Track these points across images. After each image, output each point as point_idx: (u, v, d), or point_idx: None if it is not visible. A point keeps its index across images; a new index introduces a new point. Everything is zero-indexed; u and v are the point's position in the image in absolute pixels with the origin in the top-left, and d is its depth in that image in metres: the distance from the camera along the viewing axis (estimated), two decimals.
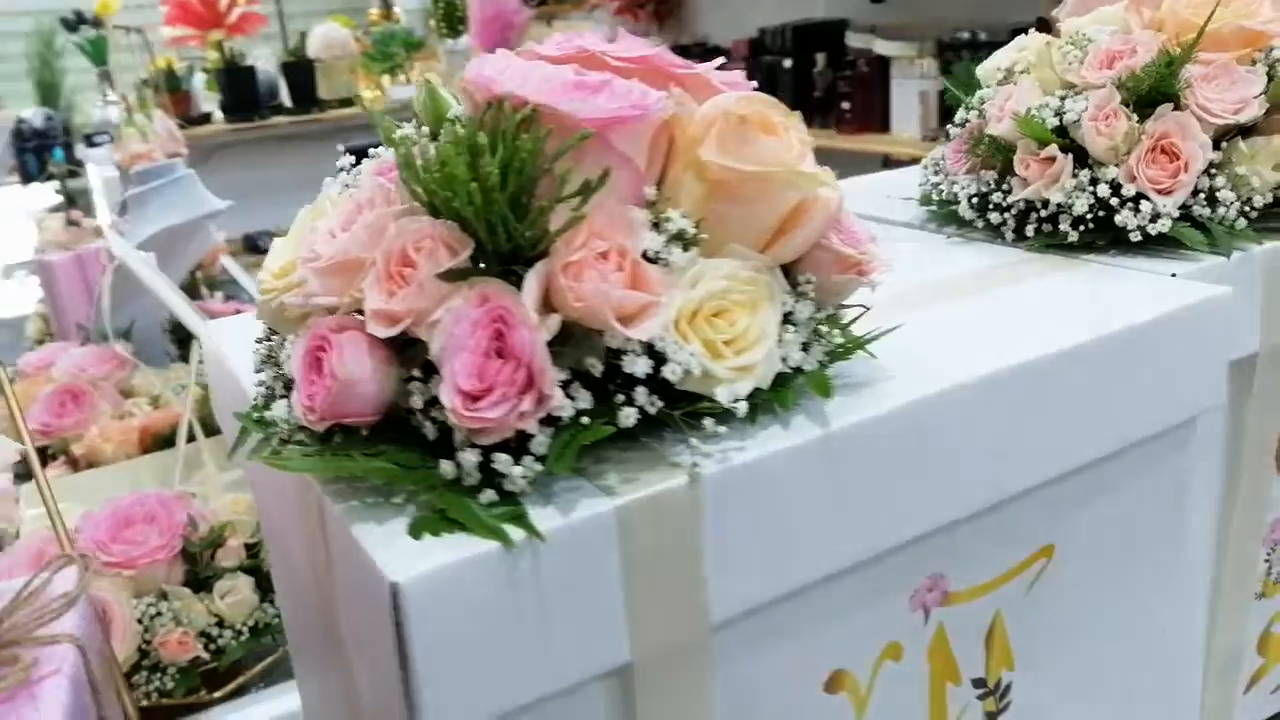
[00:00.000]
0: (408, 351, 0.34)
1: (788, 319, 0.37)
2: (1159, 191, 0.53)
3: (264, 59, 3.24)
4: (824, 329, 0.39)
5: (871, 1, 2.50)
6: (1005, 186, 0.58)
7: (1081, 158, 0.56)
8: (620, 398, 0.33)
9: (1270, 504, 0.62)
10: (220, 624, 0.73)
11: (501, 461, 0.32)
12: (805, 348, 0.37)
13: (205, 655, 0.72)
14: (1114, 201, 0.54)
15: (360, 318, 0.33)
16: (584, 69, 0.37)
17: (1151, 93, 0.54)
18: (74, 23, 3.05)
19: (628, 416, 0.33)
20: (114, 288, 1.13)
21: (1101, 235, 0.55)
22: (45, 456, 1.02)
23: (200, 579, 0.75)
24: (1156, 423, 0.48)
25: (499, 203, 0.31)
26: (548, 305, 0.33)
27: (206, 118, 2.97)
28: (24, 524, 0.86)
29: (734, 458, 0.35)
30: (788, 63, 2.50)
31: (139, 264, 0.84)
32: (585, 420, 0.33)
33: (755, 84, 0.39)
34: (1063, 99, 0.57)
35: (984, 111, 0.60)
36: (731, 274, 0.35)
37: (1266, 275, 0.54)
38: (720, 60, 0.41)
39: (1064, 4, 0.66)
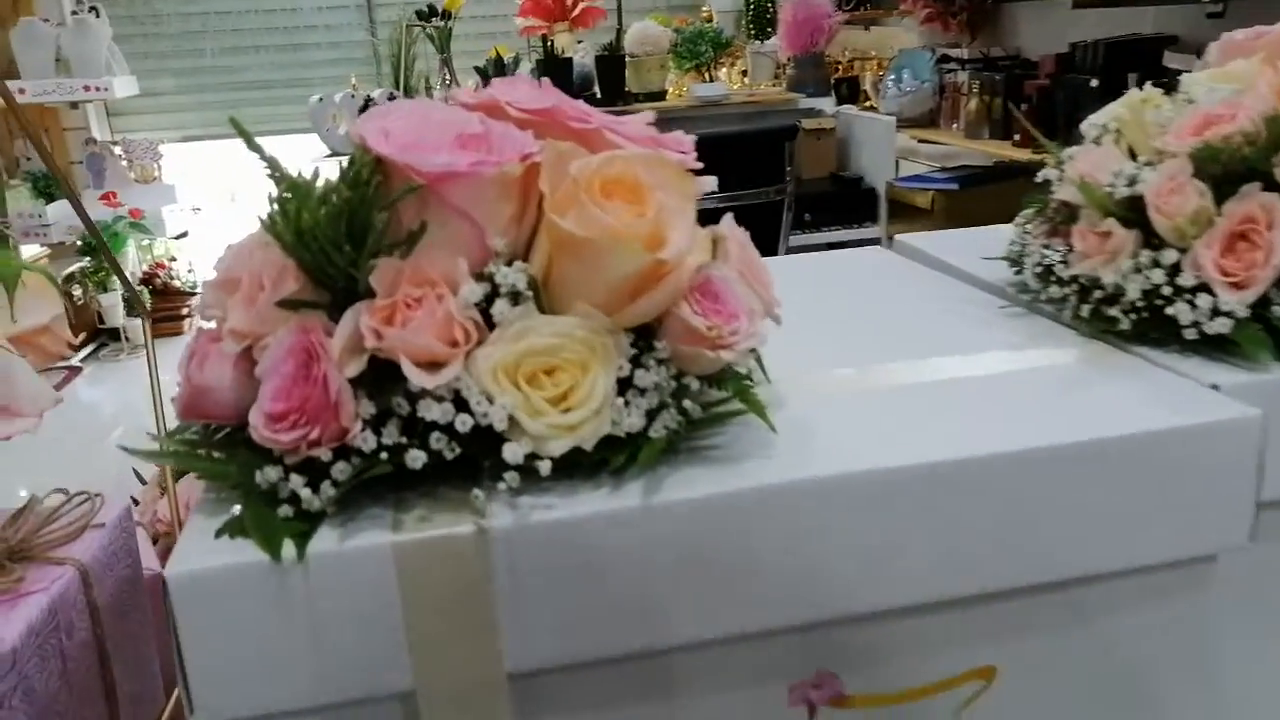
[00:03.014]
0: None
1: (631, 384, 0.36)
2: (1231, 285, 0.45)
3: (582, 51, 3.47)
4: (689, 401, 0.38)
5: (1208, 16, 2.22)
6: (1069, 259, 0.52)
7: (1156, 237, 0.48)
8: (405, 440, 0.34)
9: None
10: None
11: (295, 482, 0.34)
12: (651, 415, 0.37)
13: None
14: (1167, 291, 0.46)
15: None
16: (487, 118, 0.39)
17: (1240, 168, 0.46)
18: (426, 14, 3.44)
19: (415, 459, 0.34)
20: None
21: (1157, 328, 0.48)
22: None
23: None
24: (1144, 555, 0.42)
25: (319, 245, 0.34)
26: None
27: None
28: None
29: (534, 515, 0.35)
30: (1094, 82, 2.29)
31: None
32: (384, 455, 0.35)
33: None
34: (1145, 166, 0.49)
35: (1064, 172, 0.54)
36: (564, 332, 0.35)
37: None
38: (650, 115, 0.41)
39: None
